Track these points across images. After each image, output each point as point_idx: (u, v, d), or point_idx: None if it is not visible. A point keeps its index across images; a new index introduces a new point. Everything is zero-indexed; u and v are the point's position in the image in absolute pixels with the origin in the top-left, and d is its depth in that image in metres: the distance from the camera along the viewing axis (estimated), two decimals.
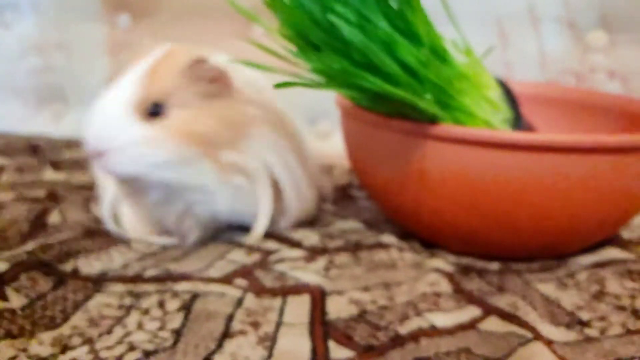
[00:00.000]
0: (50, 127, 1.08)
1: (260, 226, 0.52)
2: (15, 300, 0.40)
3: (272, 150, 0.52)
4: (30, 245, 0.49)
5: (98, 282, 0.44)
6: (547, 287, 0.48)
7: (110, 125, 0.44)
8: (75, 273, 0.45)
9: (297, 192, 0.55)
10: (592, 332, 0.40)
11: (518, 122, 0.51)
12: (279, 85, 0.45)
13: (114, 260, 0.48)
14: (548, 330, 0.40)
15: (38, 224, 0.55)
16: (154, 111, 0.45)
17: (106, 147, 0.44)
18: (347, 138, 0.60)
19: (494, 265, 0.52)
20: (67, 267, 0.46)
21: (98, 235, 0.53)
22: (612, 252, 0.54)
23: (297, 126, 0.58)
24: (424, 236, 0.55)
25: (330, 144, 0.92)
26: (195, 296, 0.42)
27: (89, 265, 0.47)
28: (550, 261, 0.53)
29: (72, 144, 0.89)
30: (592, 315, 0.42)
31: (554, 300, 0.45)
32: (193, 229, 0.52)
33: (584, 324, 0.41)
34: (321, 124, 0.92)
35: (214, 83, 0.48)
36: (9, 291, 0.41)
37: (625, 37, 0.78)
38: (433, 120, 0.46)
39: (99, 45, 1.03)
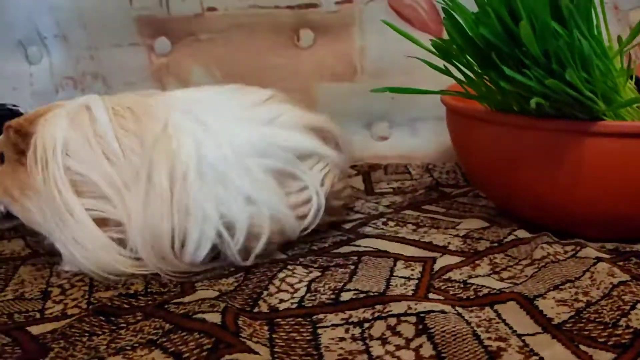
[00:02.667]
0: None
1: None
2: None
3: None
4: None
5: (307, 316, 0.40)
6: None
7: None
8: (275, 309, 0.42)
9: None
10: None
11: None
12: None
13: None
14: None
15: None
16: None
17: None
18: (466, 141, 0.58)
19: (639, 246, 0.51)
20: (263, 307, 0.42)
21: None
22: None
23: None
24: (559, 226, 0.54)
25: (389, 145, 0.89)
26: (420, 318, 0.39)
27: (275, 297, 0.43)
28: None
29: None
30: None
31: None
32: None
33: None
34: (378, 127, 0.89)
35: None
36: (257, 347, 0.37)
37: None
38: (592, 118, 0.45)
39: (139, 71, 0.96)
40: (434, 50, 0.51)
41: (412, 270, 0.48)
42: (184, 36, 0.93)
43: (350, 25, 0.87)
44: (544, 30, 0.38)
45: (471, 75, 0.50)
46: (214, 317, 0.38)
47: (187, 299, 0.43)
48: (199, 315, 0.38)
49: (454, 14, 0.46)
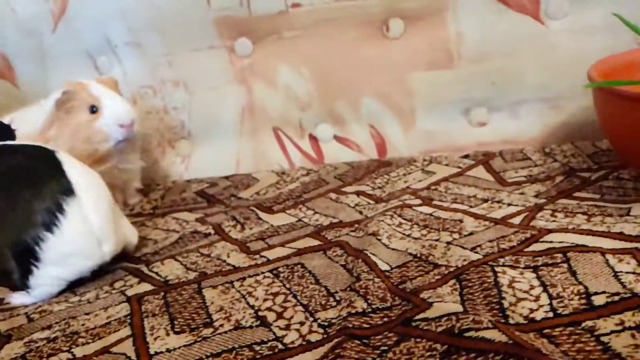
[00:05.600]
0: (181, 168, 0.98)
1: None
2: None
3: None
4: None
5: (573, 324, 0.39)
6: None
7: None
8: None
9: None
10: None
11: None
12: None
13: None
14: None
15: None
16: None
17: None
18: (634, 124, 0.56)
19: None
20: (517, 318, 0.40)
21: None
22: None
23: None
24: None
25: (489, 130, 0.87)
26: None
27: (520, 306, 0.41)
28: None
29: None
30: None
31: None
32: None
33: None
34: (476, 113, 0.87)
35: None
36: None
37: None
38: None
39: (221, 75, 0.93)
40: None
41: (628, 264, 0.46)
42: (266, 35, 0.90)
43: (443, 10, 0.84)
44: None
45: None
46: (497, 335, 0.36)
47: (429, 314, 0.41)
48: (473, 333, 0.36)
49: None
